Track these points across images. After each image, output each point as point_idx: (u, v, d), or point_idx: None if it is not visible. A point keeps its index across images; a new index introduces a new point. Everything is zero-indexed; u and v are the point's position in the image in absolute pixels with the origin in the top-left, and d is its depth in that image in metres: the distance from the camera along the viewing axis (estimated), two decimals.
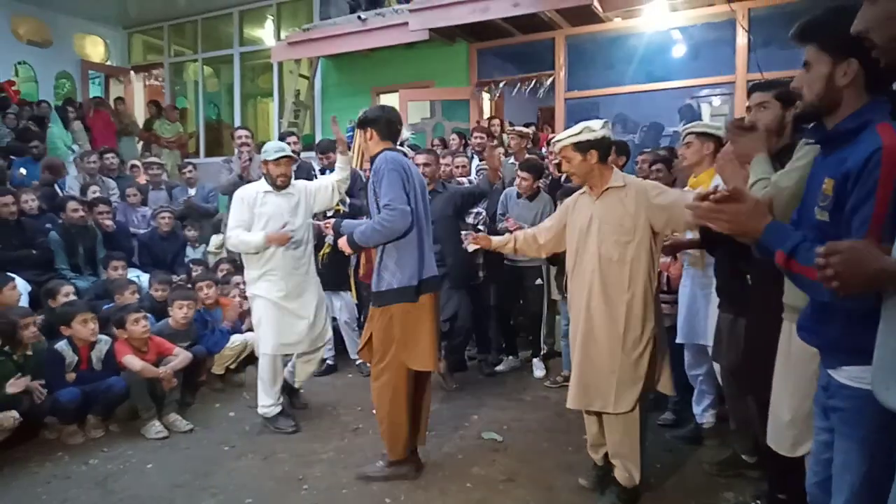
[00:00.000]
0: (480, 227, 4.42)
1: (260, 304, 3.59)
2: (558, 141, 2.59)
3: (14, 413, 3.16)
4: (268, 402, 3.61)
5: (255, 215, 3.54)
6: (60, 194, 5.85)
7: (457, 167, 4.98)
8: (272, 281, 3.55)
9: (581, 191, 2.70)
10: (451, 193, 4.17)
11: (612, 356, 2.50)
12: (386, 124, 2.93)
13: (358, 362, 4.71)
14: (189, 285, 4.71)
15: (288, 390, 3.88)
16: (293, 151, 5.47)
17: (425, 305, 2.88)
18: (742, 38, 6.11)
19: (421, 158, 4.04)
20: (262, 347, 3.63)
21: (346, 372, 4.67)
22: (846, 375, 1.38)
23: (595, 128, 2.50)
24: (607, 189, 2.54)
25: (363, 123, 2.94)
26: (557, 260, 4.27)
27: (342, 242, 2.92)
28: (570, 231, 2.67)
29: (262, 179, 3.64)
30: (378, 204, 2.78)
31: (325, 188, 3.76)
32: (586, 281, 2.55)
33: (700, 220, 1.49)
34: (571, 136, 2.52)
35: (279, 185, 3.56)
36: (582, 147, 2.51)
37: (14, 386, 3.20)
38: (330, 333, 3.97)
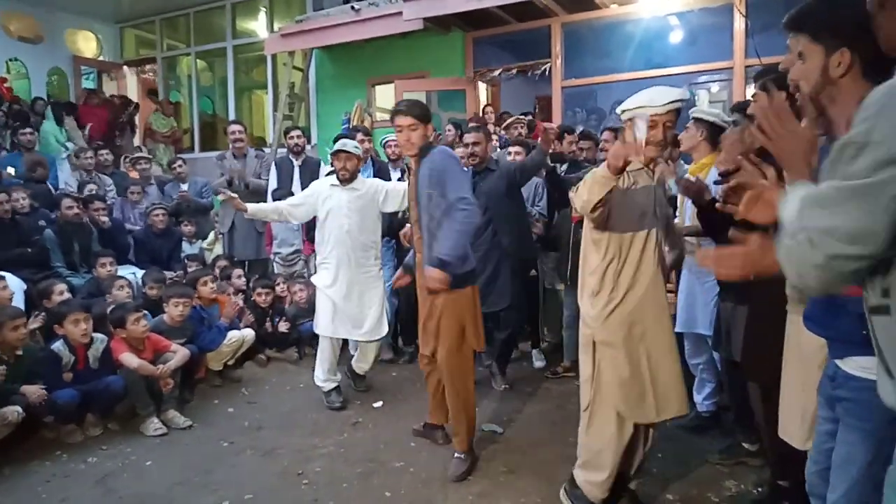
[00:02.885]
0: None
1: (317, 290, 3.92)
2: (671, 104, 2.17)
3: (17, 407, 3.13)
4: (322, 377, 3.89)
5: (318, 205, 3.83)
6: (54, 192, 5.80)
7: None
8: (323, 271, 3.86)
9: (636, 167, 2.25)
10: (505, 170, 4.00)
11: (673, 351, 2.33)
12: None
13: None
14: (185, 281, 4.69)
15: (351, 374, 4.14)
16: (296, 145, 5.50)
17: (474, 291, 3.01)
18: (739, 24, 6.05)
19: (470, 137, 3.93)
20: (317, 328, 3.93)
21: (344, 366, 4.65)
22: (855, 365, 1.36)
23: None
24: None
25: (426, 118, 2.91)
26: (557, 246, 4.24)
27: (435, 278, 2.71)
28: (632, 214, 2.23)
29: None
30: (446, 198, 2.77)
31: (398, 192, 3.82)
32: (650, 272, 2.26)
33: (715, 268, 1.37)
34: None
35: (340, 178, 3.77)
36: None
37: None
38: (385, 329, 3.99)
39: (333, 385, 3.90)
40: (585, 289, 2.38)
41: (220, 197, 4.05)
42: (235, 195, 3.87)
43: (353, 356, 4.19)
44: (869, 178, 0.92)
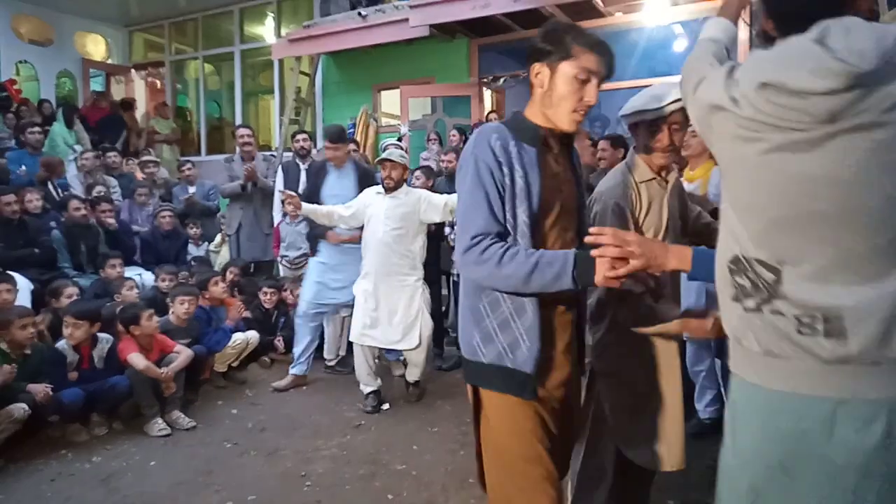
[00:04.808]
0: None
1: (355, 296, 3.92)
2: (672, 104, 1.90)
3: (23, 405, 3.16)
4: (360, 380, 3.94)
5: (364, 212, 3.83)
6: (54, 193, 5.84)
7: (451, 163, 5.01)
8: (362, 277, 3.86)
9: (646, 178, 1.96)
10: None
11: (678, 400, 1.96)
12: None
13: None
14: (194, 283, 4.73)
15: (406, 384, 4.11)
16: (302, 148, 5.53)
17: None
18: (744, 33, 6.07)
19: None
20: (350, 335, 3.96)
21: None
22: None
23: None
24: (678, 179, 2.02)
25: None
26: None
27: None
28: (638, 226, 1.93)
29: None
30: None
31: (438, 204, 3.78)
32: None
33: (615, 257, 1.38)
34: None
35: (385, 186, 3.78)
36: None
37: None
38: (416, 341, 3.81)
39: (371, 389, 3.92)
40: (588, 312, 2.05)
41: (282, 196, 4.01)
42: (294, 194, 3.85)
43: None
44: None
